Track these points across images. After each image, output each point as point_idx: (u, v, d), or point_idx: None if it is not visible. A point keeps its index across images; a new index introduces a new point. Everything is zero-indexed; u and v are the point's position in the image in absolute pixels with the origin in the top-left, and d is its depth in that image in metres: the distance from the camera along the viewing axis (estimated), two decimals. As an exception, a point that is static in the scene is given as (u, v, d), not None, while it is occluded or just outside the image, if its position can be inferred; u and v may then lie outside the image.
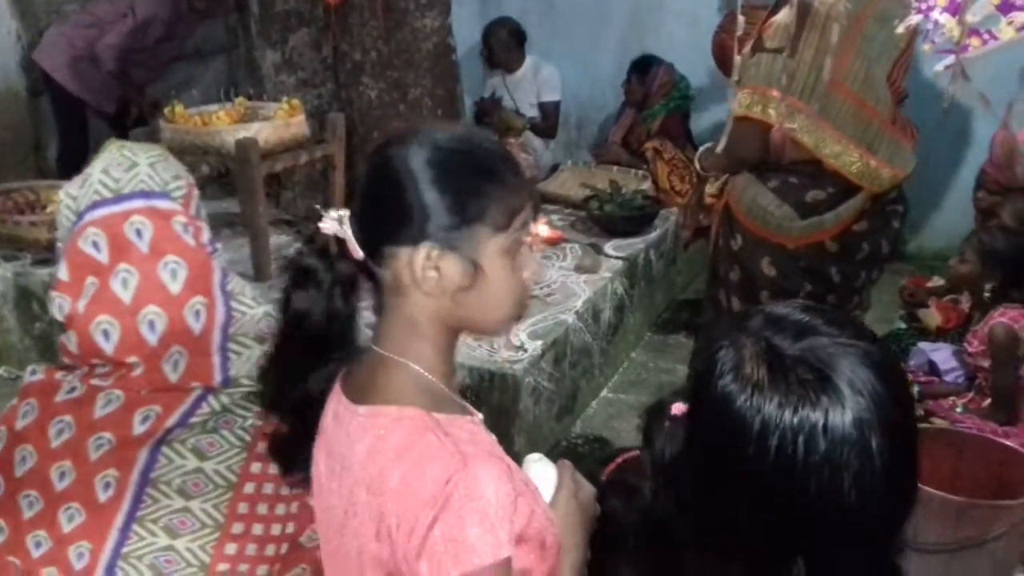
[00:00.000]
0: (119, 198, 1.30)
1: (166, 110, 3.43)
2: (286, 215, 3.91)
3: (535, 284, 1.04)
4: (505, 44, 4.69)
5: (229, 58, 5.48)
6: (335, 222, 1.01)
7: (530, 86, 4.73)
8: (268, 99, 3.77)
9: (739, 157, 2.37)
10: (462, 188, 0.96)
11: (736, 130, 2.29)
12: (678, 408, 1.16)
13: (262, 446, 1.32)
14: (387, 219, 0.97)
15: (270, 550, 1.33)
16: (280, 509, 1.35)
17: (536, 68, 4.74)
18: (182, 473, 1.28)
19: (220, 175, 3.85)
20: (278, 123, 3.36)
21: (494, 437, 1.06)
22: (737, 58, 2.21)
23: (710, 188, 2.58)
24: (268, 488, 1.34)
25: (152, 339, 1.28)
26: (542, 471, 1.14)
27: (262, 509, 1.33)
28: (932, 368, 2.74)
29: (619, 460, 1.39)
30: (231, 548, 1.31)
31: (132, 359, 1.28)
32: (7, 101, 4.40)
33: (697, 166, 2.64)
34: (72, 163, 4.32)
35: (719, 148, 2.33)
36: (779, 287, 2.37)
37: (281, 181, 3.87)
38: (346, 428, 1.00)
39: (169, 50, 4.58)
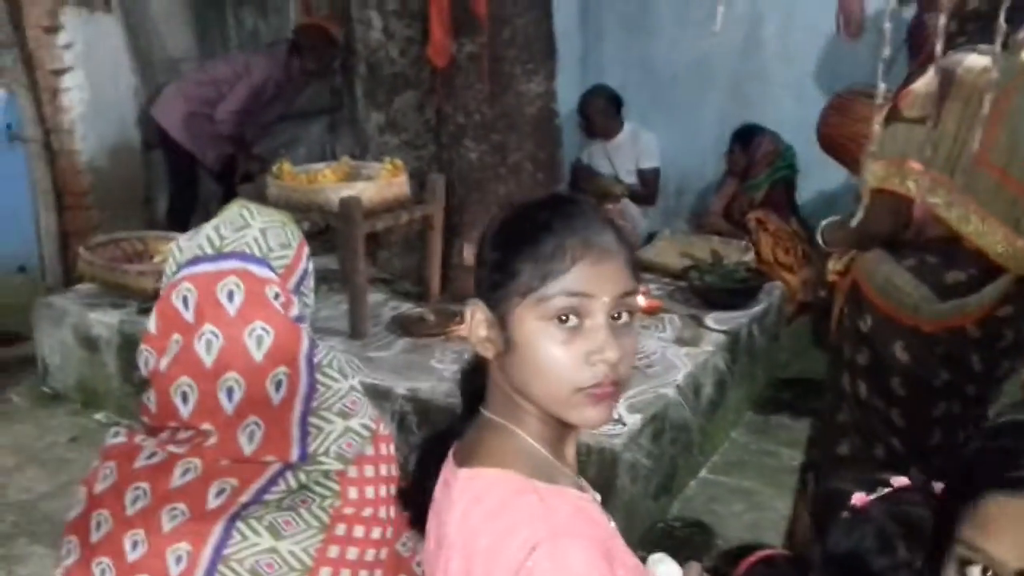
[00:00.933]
0: (218, 256, 1.27)
1: (274, 167, 3.50)
2: (382, 274, 3.91)
3: (605, 361, 0.91)
4: (603, 112, 4.68)
5: (332, 119, 5.63)
6: None
7: (629, 153, 4.69)
8: (371, 159, 3.82)
9: (872, 233, 2.21)
10: (506, 249, 0.96)
11: (875, 202, 2.15)
12: (859, 499, 1.08)
13: (341, 528, 1.26)
14: (475, 281, 1.01)
15: None
16: None
17: (635, 135, 4.71)
18: (256, 552, 1.22)
19: (320, 232, 3.90)
20: (381, 183, 3.39)
21: (610, 521, 1.00)
22: (876, 127, 2.11)
23: (835, 264, 2.44)
24: (345, 575, 1.27)
25: (229, 407, 1.22)
26: (667, 572, 1.09)
27: None
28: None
29: (755, 558, 1.27)
30: None
31: (206, 426, 1.23)
32: (123, 154, 4.58)
33: (819, 240, 2.50)
34: (181, 216, 4.47)
35: (854, 222, 2.20)
36: (913, 374, 2.19)
37: (379, 240, 3.89)
38: (450, 493, 0.97)
39: (277, 109, 4.72)
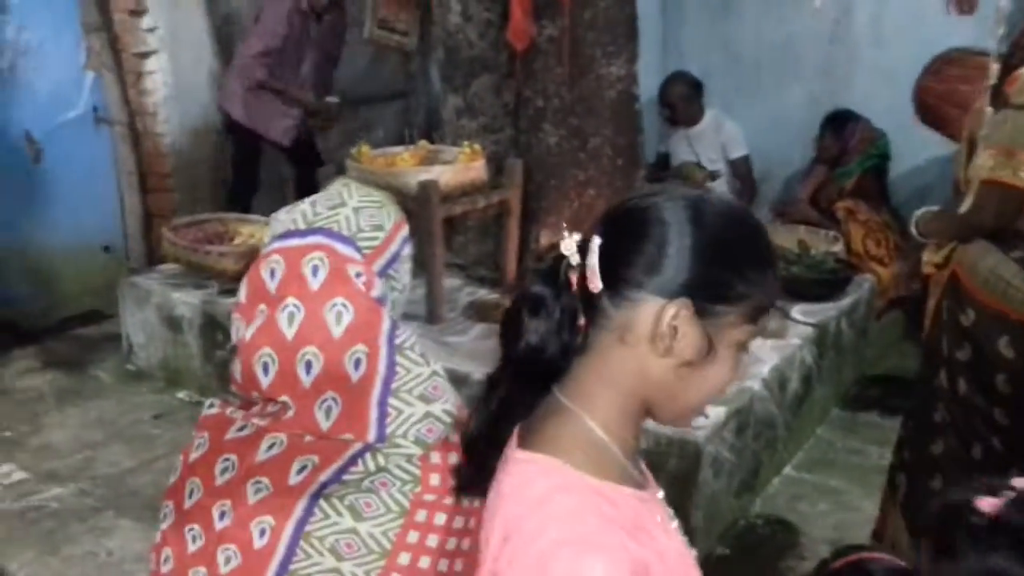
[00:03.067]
0: (307, 231, 1.27)
1: (352, 150, 3.49)
2: (457, 259, 3.88)
3: (733, 384, 0.95)
4: (685, 98, 4.56)
5: (407, 103, 5.63)
6: (579, 248, 0.94)
7: (712, 140, 4.56)
8: (448, 143, 3.79)
9: (977, 224, 2.12)
10: (736, 265, 0.91)
11: (983, 192, 2.04)
12: (989, 504, 0.98)
13: (422, 514, 1.23)
14: (645, 262, 0.91)
15: None
16: None
17: (718, 122, 4.58)
18: (336, 531, 1.21)
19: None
20: (458, 167, 3.35)
21: (669, 513, 1.01)
22: (988, 110, 1.98)
23: (931, 256, 2.32)
24: (424, 562, 1.25)
25: (306, 380, 1.21)
26: None
27: None
28: None
29: (854, 558, 1.19)
30: None
31: (284, 398, 1.23)
32: (203, 136, 4.65)
33: (913, 231, 2.39)
34: (242, 199, 4.47)
35: (962, 209, 2.08)
36: (1019, 371, 2.09)
37: (455, 226, 3.85)
38: (507, 472, 0.95)
39: (308, 51, 4.48)
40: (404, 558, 1.22)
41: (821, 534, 2.75)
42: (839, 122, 4.04)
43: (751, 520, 2.84)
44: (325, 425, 1.22)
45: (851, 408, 3.53)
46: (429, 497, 1.23)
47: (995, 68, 1.92)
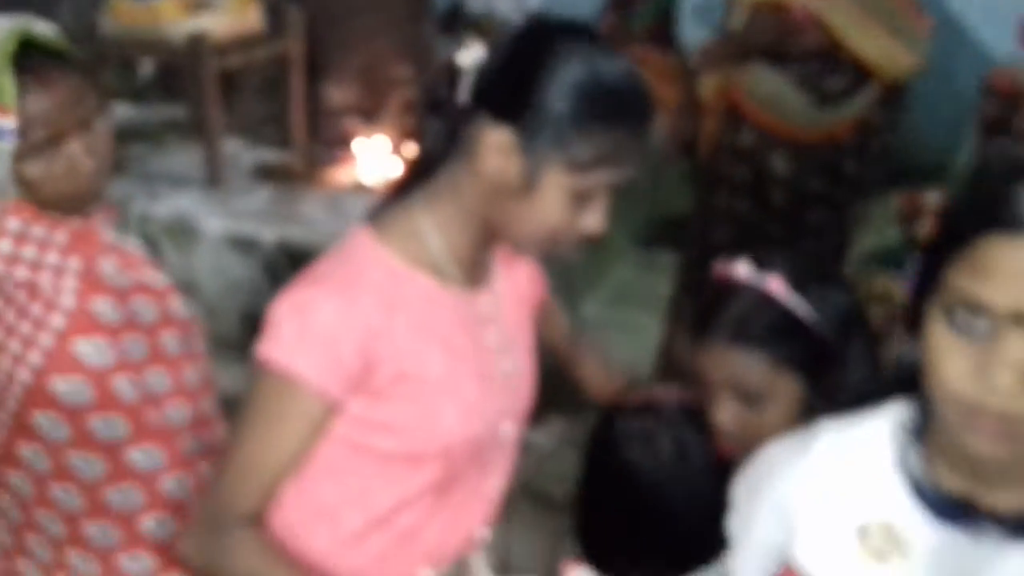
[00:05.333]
0: None
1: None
2: (239, 122, 3.61)
3: (587, 234, 0.99)
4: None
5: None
6: (472, 60, 0.98)
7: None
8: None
9: (754, 44, 2.21)
10: (571, 112, 0.93)
11: (755, 16, 2.13)
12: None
13: None
14: (496, 87, 0.96)
15: None
16: None
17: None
18: None
19: (164, 78, 3.56)
20: (231, 14, 3.08)
21: (494, 328, 1.09)
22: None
23: (710, 82, 2.39)
24: None
25: None
26: None
27: None
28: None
29: (645, 396, 1.28)
30: None
31: None
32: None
33: (697, 60, 2.45)
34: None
35: (733, 26, 2.17)
36: (792, 185, 2.26)
37: (233, 83, 3.56)
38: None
39: None
40: None
41: (622, 361, 2.87)
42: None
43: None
44: None
45: (647, 247, 3.68)
46: None
47: None
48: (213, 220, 2.87)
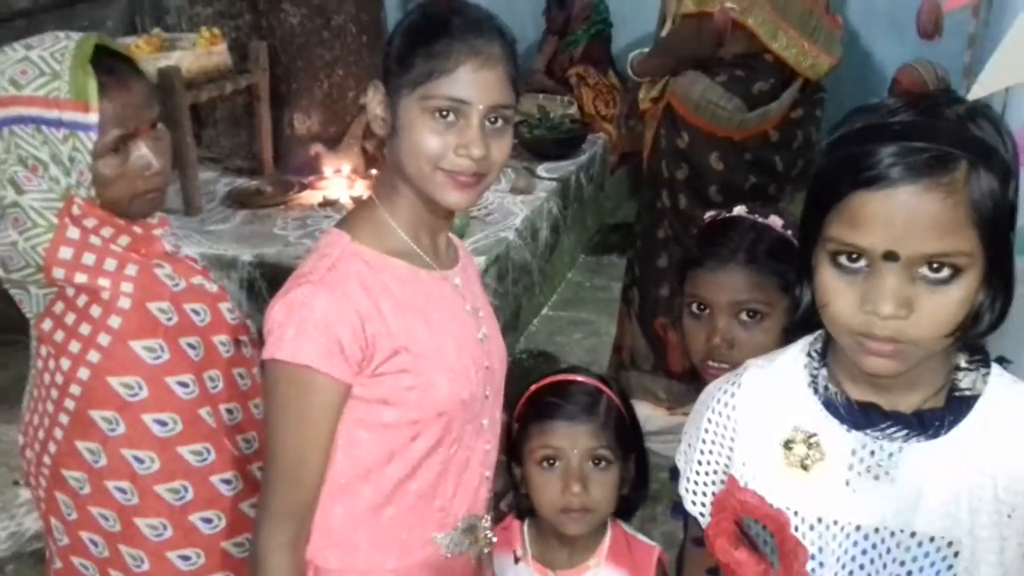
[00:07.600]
0: None
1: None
2: (210, 153, 3.80)
3: (470, 155, 1.05)
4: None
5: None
6: None
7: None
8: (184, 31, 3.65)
9: (685, 55, 2.42)
10: (403, 36, 1.06)
11: (684, 27, 2.35)
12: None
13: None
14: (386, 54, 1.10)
15: None
16: None
17: None
18: None
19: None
20: (199, 52, 3.27)
21: (469, 301, 1.17)
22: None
23: (648, 92, 2.60)
24: None
25: None
26: None
27: None
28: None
29: (558, 378, 1.45)
30: None
31: None
32: None
33: (630, 71, 2.65)
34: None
35: (663, 33, 2.38)
36: (727, 181, 2.45)
37: (201, 118, 3.76)
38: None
39: None
40: None
41: (577, 358, 3.12)
42: (559, -6, 4.30)
43: (516, 356, 3.16)
44: None
45: (595, 253, 3.97)
46: None
47: None
48: (191, 245, 3.06)
